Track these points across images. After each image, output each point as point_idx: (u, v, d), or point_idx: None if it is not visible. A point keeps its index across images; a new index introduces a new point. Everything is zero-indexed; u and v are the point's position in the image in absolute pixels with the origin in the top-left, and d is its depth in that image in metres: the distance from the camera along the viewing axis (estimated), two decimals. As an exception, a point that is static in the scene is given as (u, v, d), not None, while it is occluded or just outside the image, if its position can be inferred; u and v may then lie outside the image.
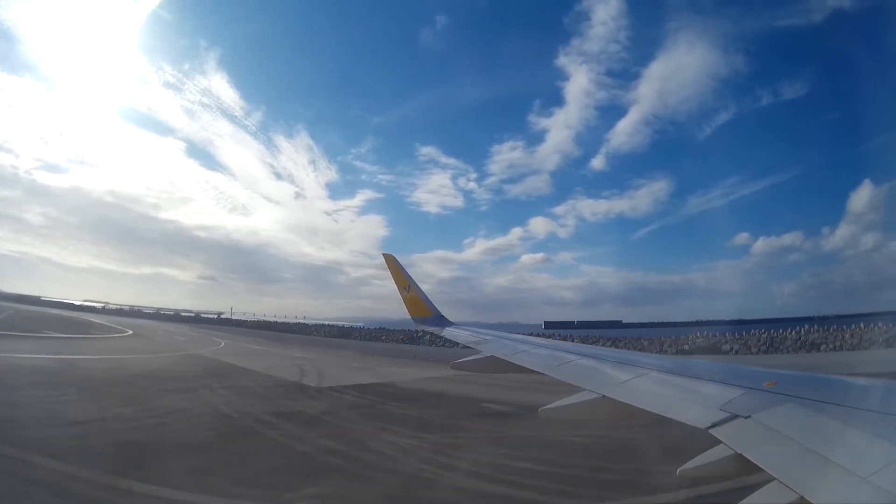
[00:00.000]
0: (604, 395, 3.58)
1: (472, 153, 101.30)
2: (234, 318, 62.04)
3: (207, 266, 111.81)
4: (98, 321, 46.14)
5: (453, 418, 12.54)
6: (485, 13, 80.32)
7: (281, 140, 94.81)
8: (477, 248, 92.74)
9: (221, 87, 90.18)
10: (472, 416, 12.96)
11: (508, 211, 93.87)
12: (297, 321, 57.77)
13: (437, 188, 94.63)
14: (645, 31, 79.19)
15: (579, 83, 78.45)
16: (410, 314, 8.03)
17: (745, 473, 2.38)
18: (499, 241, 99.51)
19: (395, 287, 8.18)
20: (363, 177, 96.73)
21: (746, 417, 2.68)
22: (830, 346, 27.93)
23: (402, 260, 8.38)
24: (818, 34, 67.58)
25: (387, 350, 35.95)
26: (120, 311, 63.66)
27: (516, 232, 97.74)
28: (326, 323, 55.66)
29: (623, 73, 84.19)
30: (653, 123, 79.45)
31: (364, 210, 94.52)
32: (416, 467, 8.26)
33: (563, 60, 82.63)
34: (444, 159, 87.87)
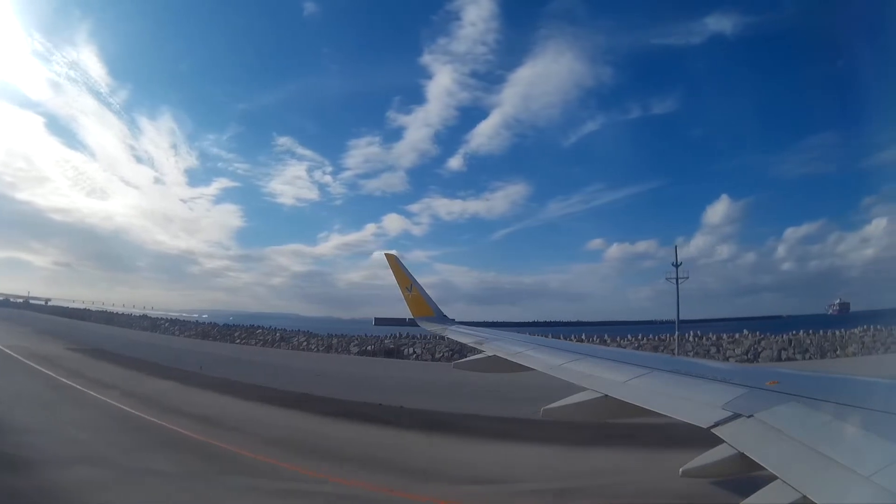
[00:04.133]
0: (606, 395, 3.59)
1: (329, 146, 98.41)
2: (31, 302, 62.24)
3: (63, 252, 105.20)
4: None
5: None
6: (353, 3, 78.09)
7: (144, 121, 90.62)
8: (331, 243, 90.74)
9: (90, 60, 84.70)
10: None
11: (363, 206, 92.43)
12: (124, 311, 55.58)
13: (292, 179, 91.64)
14: (515, 35, 78.96)
15: (442, 82, 77.83)
16: (413, 314, 8.03)
17: (748, 472, 2.39)
18: (353, 236, 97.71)
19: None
20: (220, 164, 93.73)
21: (749, 416, 2.68)
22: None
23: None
24: (693, 55, 69.12)
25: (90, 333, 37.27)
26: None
27: (370, 228, 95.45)
28: (117, 312, 53.88)
29: (488, 75, 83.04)
30: (514, 127, 79.44)
31: (220, 199, 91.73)
32: None
33: (427, 58, 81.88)
34: (300, 150, 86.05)
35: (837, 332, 27.35)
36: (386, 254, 8.42)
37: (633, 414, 3.43)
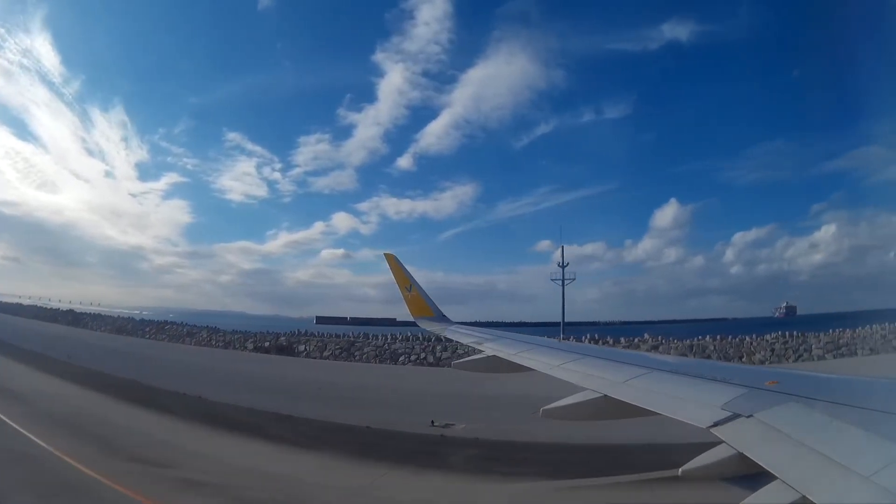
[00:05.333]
0: (605, 395, 3.59)
1: (279, 142, 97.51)
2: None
3: (11, 246, 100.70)
4: None
5: None
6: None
7: (96, 113, 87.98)
8: (279, 241, 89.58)
9: (44, 48, 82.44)
10: None
11: (312, 204, 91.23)
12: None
13: (241, 175, 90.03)
14: (468, 36, 78.67)
15: (394, 81, 77.34)
16: (412, 314, 8.02)
17: (747, 472, 2.38)
18: (301, 234, 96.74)
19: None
20: (170, 159, 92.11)
21: (748, 416, 2.67)
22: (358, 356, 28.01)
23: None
24: (647, 61, 69.91)
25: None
26: None
27: (319, 226, 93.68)
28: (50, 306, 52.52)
29: (439, 75, 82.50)
30: (464, 128, 79.45)
31: (169, 194, 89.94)
32: None
33: (380, 57, 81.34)
34: (249, 146, 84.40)
35: (747, 339, 25.99)
36: (385, 254, 8.40)
37: (632, 414, 3.42)
